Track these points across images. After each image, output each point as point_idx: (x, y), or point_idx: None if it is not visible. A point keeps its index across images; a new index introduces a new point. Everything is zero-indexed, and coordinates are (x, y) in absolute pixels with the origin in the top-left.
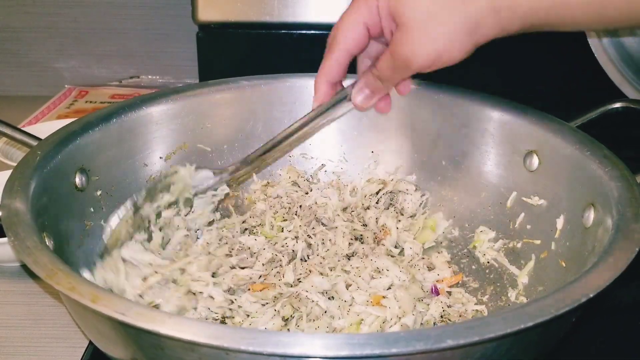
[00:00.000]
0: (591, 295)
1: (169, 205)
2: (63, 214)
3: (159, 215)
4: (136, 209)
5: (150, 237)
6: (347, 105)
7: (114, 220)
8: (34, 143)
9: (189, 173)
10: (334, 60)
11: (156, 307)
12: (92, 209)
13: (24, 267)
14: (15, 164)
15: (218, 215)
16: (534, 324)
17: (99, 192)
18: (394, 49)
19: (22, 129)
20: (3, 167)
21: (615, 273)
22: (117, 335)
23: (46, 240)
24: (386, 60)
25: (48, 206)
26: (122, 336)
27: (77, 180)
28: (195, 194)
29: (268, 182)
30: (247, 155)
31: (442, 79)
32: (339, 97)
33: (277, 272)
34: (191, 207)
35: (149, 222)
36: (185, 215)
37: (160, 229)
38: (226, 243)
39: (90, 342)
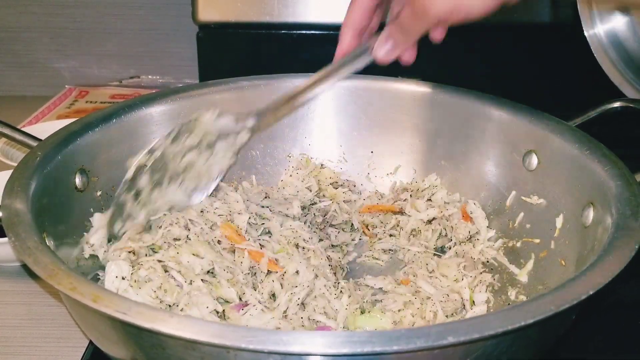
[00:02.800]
0: (591, 293)
1: (192, 148)
2: (63, 214)
3: (183, 156)
4: (162, 151)
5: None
6: (367, 58)
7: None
8: (34, 143)
9: (211, 119)
10: (357, 6)
11: None
12: (92, 210)
13: (25, 267)
14: (15, 164)
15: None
16: (534, 321)
17: (99, 193)
18: None
19: (22, 129)
20: (3, 168)
21: (615, 271)
22: (117, 334)
23: (46, 240)
24: (406, 9)
25: (48, 207)
26: (123, 336)
27: (77, 180)
28: (217, 138)
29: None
30: (265, 106)
31: (442, 79)
32: (361, 49)
33: None
34: (213, 149)
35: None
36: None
37: (183, 170)
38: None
39: (91, 342)
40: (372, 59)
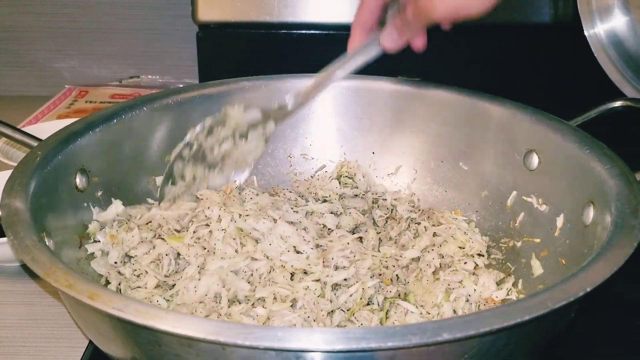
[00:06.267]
0: (588, 290)
1: (226, 139)
2: (63, 214)
3: (219, 146)
4: (199, 144)
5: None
6: (377, 49)
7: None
8: (34, 143)
9: (238, 113)
10: (367, 9)
11: None
12: (92, 210)
13: (24, 267)
14: (15, 164)
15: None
16: (530, 318)
17: (99, 193)
18: None
19: (22, 129)
20: (3, 167)
21: (613, 268)
22: (115, 332)
23: (46, 240)
24: (410, 6)
25: (48, 206)
26: (120, 333)
27: (78, 180)
28: (248, 129)
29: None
30: (285, 97)
31: (443, 78)
32: (371, 41)
33: None
34: (246, 139)
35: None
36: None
37: (221, 159)
38: None
39: (90, 342)
40: (382, 49)
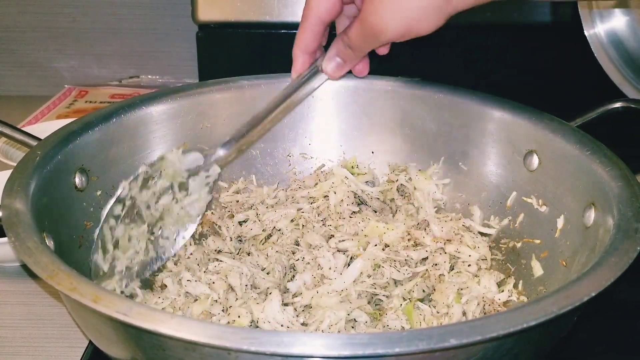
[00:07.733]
0: (593, 295)
1: (164, 192)
2: (63, 214)
3: (156, 201)
4: (132, 200)
5: (150, 229)
6: (323, 75)
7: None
8: (34, 143)
9: (177, 157)
10: (308, 30)
11: None
12: (92, 209)
13: (24, 267)
14: (15, 164)
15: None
16: (536, 324)
17: (98, 192)
18: (364, 17)
19: (21, 129)
20: (3, 167)
21: (617, 272)
22: (117, 335)
23: (46, 240)
24: (356, 28)
25: (48, 206)
26: (123, 336)
27: (77, 180)
28: (189, 177)
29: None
30: (231, 135)
31: (443, 78)
32: (315, 67)
33: None
34: (187, 190)
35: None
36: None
37: (160, 218)
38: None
39: (90, 342)
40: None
